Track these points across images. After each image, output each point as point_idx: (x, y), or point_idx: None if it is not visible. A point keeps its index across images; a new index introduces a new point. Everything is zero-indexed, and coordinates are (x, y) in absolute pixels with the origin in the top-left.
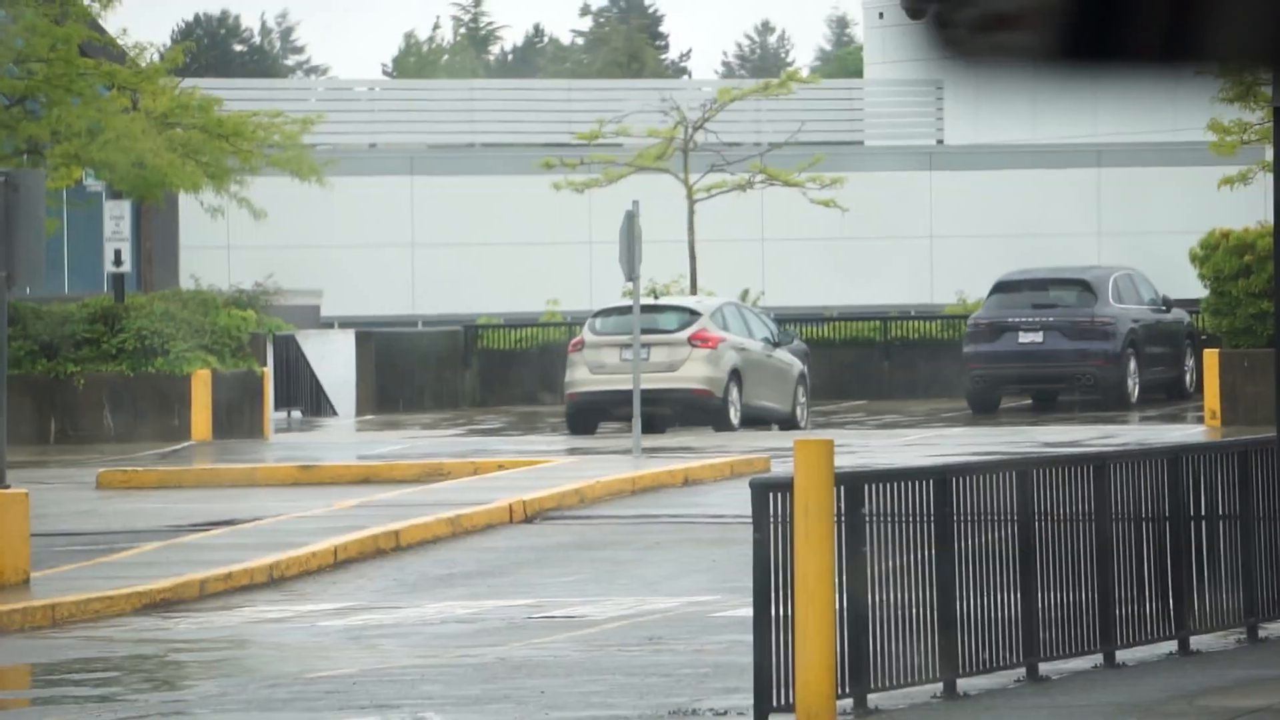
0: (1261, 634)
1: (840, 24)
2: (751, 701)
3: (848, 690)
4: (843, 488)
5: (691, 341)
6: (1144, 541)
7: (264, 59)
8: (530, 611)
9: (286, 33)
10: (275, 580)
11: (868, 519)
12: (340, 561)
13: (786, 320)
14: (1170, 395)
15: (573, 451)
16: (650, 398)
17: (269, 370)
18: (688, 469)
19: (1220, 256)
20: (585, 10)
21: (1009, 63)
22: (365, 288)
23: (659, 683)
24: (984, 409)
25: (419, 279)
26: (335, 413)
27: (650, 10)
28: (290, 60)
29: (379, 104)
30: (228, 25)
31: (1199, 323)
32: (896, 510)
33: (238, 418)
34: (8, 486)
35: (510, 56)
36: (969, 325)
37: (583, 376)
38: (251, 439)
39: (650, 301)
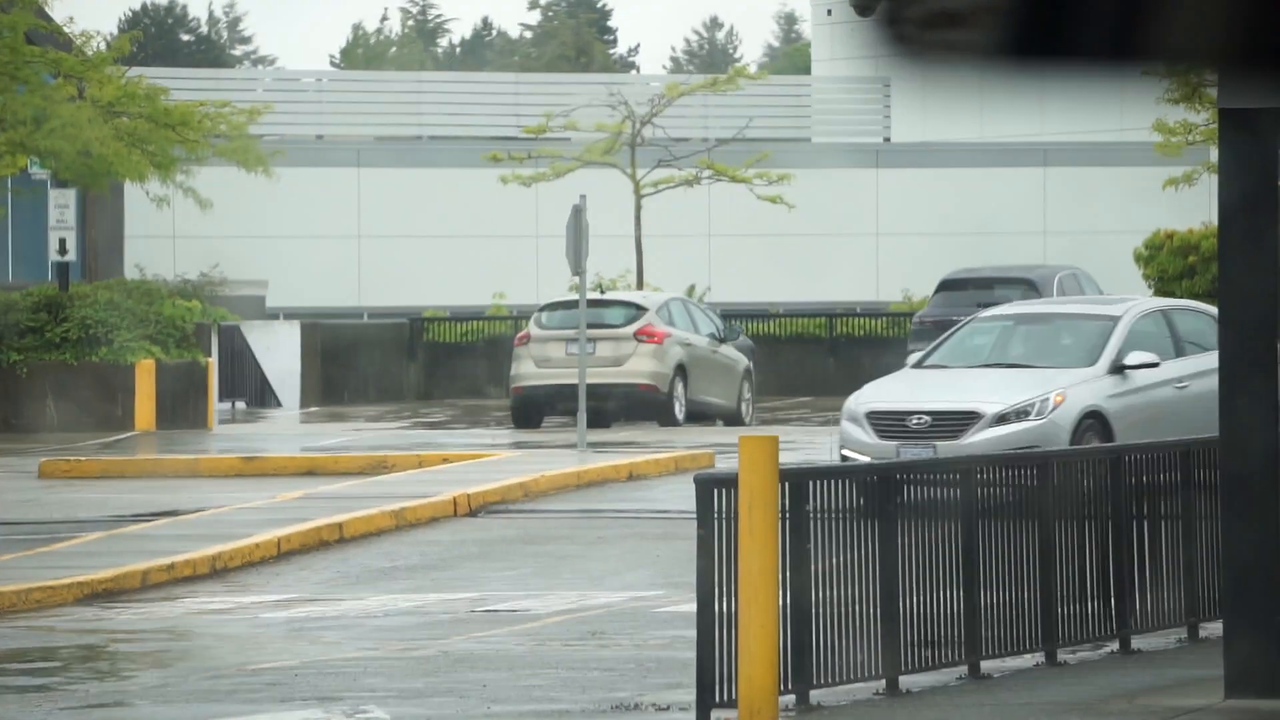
0: (1202, 634)
1: (788, 21)
2: (694, 697)
3: (790, 686)
4: (787, 484)
5: (637, 336)
6: (1086, 541)
7: (211, 49)
8: (473, 605)
9: (234, 23)
10: (218, 571)
11: (812, 516)
12: (283, 553)
13: (732, 316)
14: None
15: (518, 445)
16: (596, 392)
17: (213, 361)
18: (632, 464)
19: (1164, 257)
20: (534, 4)
21: (957, 60)
22: (311, 279)
23: (601, 677)
24: None
25: (365, 271)
26: (280, 404)
27: (599, 5)
28: (238, 50)
29: (326, 95)
30: (175, 14)
31: None
32: (841, 507)
33: (182, 408)
34: None
35: (458, 49)
36: (914, 323)
37: (528, 370)
38: (195, 430)
39: (597, 296)
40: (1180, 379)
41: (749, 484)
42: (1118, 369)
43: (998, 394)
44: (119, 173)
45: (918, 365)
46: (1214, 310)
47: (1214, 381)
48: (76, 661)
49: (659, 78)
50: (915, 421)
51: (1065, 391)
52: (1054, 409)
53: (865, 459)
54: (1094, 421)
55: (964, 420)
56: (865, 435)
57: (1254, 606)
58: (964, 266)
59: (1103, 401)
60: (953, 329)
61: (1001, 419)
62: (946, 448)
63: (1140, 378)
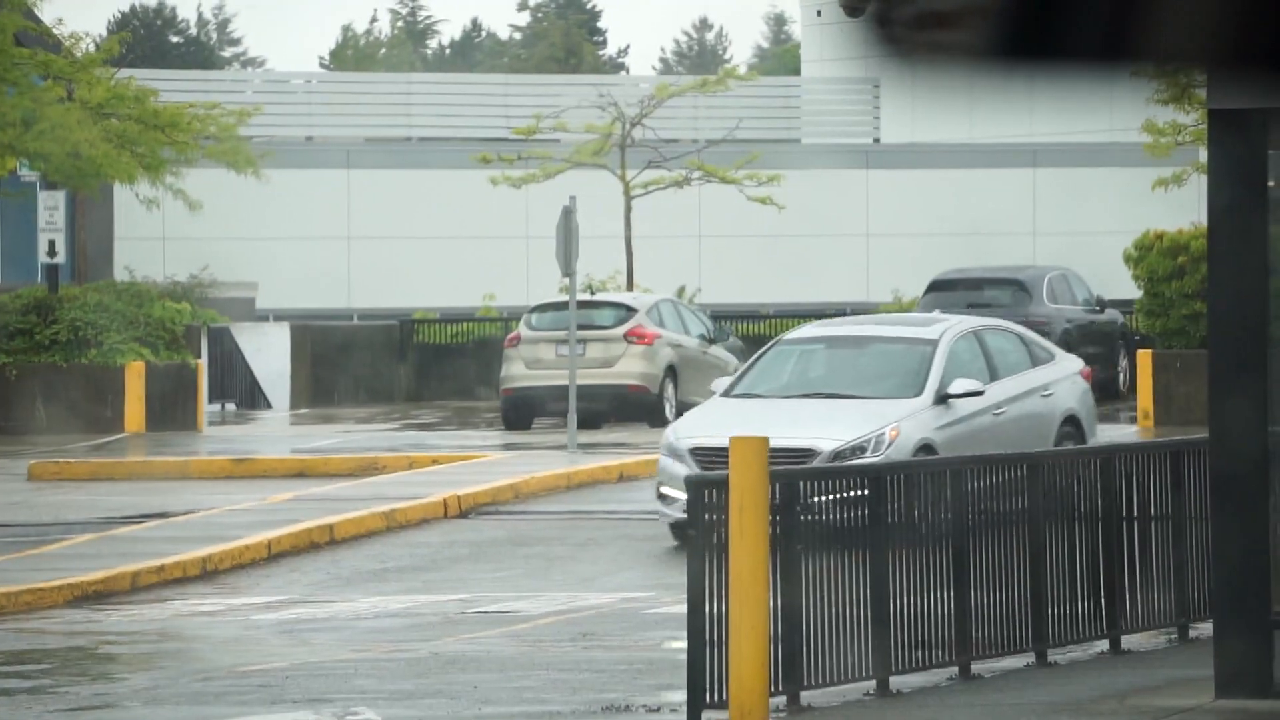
0: (1192, 634)
1: (778, 21)
2: (684, 698)
3: (781, 688)
4: (778, 485)
5: (628, 338)
6: (1077, 541)
7: (200, 51)
8: (464, 607)
9: (223, 24)
10: (208, 573)
11: (802, 517)
12: (273, 555)
13: (722, 317)
14: (1104, 395)
15: (508, 447)
16: (586, 393)
17: (203, 363)
18: (623, 465)
19: (1154, 258)
20: (523, 5)
21: (946, 61)
22: (301, 281)
23: (592, 679)
24: None
25: (355, 272)
26: (270, 406)
27: (588, 6)
28: (227, 52)
29: (316, 97)
30: (164, 16)
31: (1133, 323)
32: (831, 508)
33: (171, 410)
34: None
35: (448, 51)
36: None
37: (519, 371)
38: (185, 431)
39: (587, 297)
40: (998, 405)
41: (740, 485)
42: (942, 398)
43: (831, 428)
44: (108, 174)
45: (727, 394)
46: (1021, 329)
47: (1028, 405)
48: (66, 664)
49: (649, 79)
50: None
51: (899, 425)
52: (890, 444)
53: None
54: (925, 455)
55: (798, 459)
56: (688, 472)
57: (1244, 607)
58: (954, 267)
59: (931, 434)
60: (759, 353)
61: (838, 457)
62: None
63: (963, 406)
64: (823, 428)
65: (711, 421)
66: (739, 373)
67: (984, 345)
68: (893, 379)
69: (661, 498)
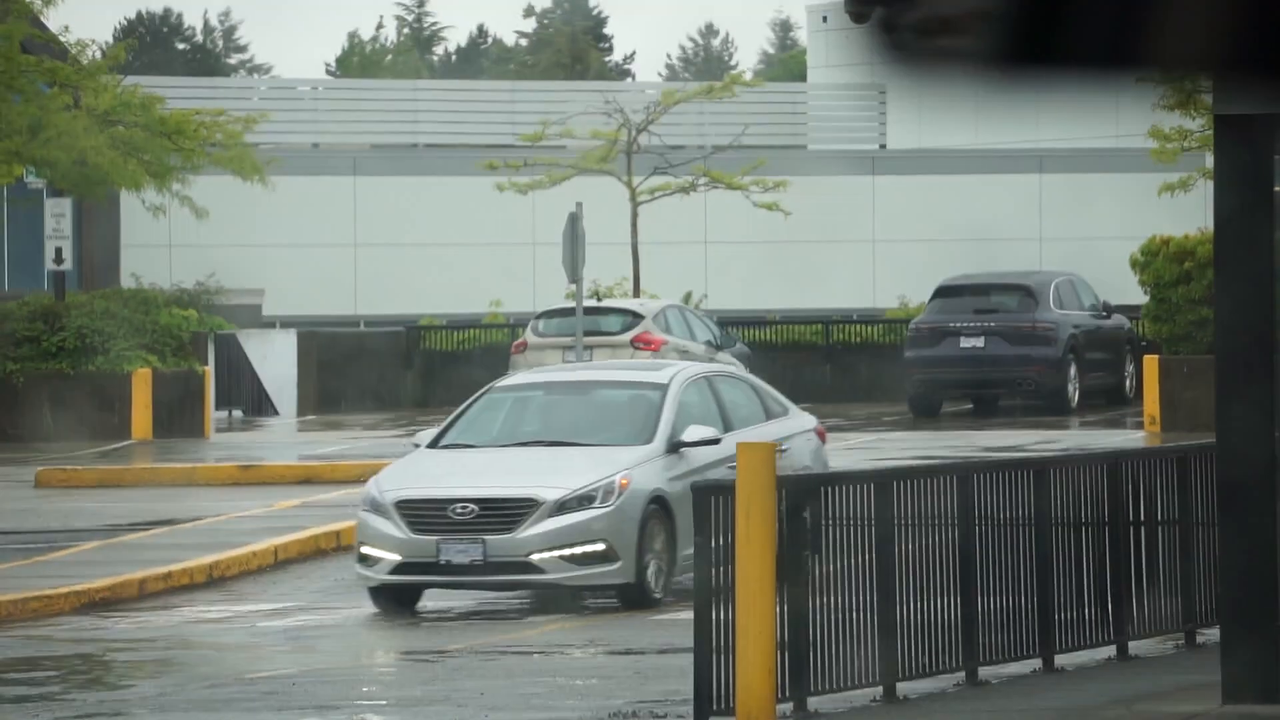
0: (1199, 640)
1: (784, 28)
2: (691, 704)
3: (788, 694)
4: (784, 491)
5: (634, 344)
6: (1084, 547)
7: (207, 58)
8: (470, 612)
9: (229, 31)
10: (215, 580)
11: (809, 523)
12: (280, 562)
13: (729, 323)
14: (1110, 401)
15: None
16: None
17: (210, 369)
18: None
19: (1160, 263)
20: (529, 12)
21: (952, 67)
22: (307, 287)
23: (599, 684)
24: (925, 413)
25: (361, 279)
26: (277, 412)
27: (594, 12)
28: (233, 59)
29: (322, 104)
30: (170, 23)
31: (1139, 329)
32: (838, 514)
33: (178, 417)
34: None
35: (454, 57)
36: (910, 330)
37: None
38: (192, 438)
39: (593, 304)
40: (731, 457)
41: (746, 491)
42: (675, 447)
43: (554, 477)
44: (115, 181)
45: (434, 445)
46: (754, 379)
47: None
48: (74, 671)
49: (654, 85)
50: (459, 511)
51: (629, 473)
52: (620, 494)
53: (394, 558)
54: (657, 507)
55: (519, 509)
56: (395, 529)
57: (1251, 612)
58: (961, 273)
59: (664, 484)
60: (467, 402)
61: (562, 508)
62: (499, 543)
63: (697, 456)
64: (545, 477)
65: (419, 472)
66: (446, 422)
67: (717, 394)
68: (620, 426)
69: (362, 559)
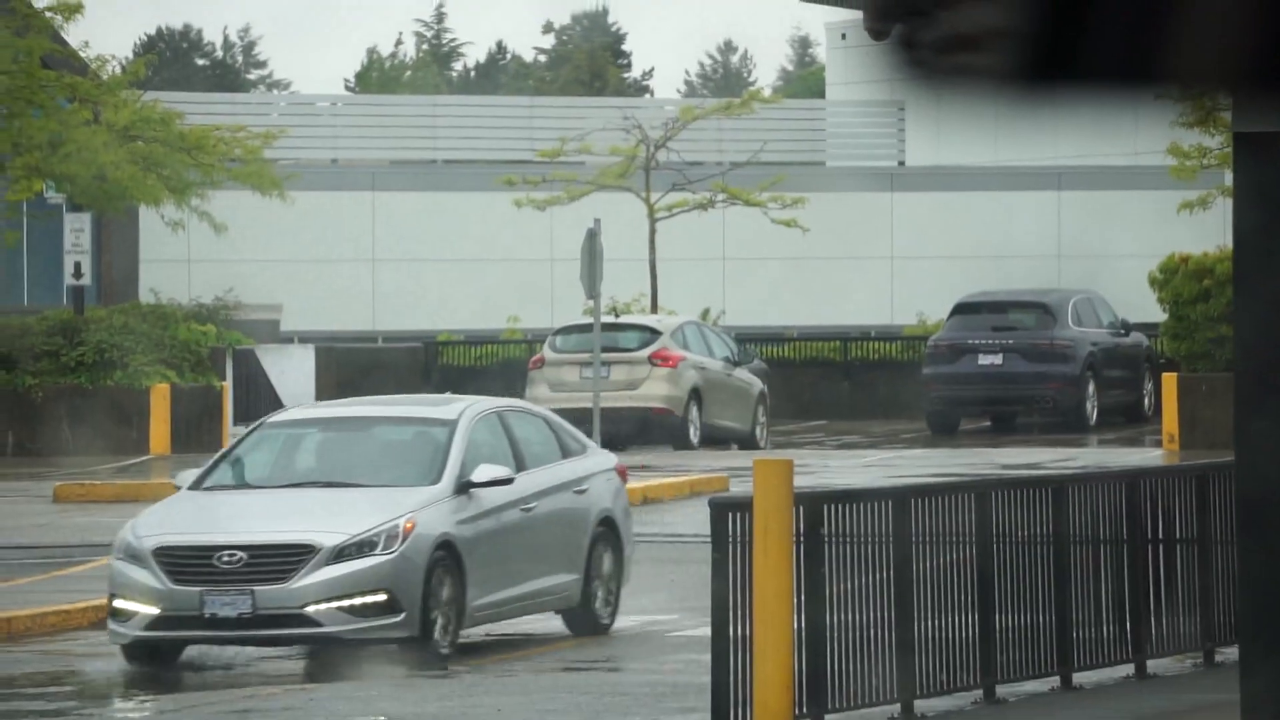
0: (1218, 658)
1: (803, 44)
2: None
3: (805, 710)
4: (802, 508)
5: (652, 360)
6: (1102, 564)
7: (226, 73)
8: (487, 629)
9: (249, 47)
10: None
11: (827, 539)
12: None
13: (747, 340)
14: (1128, 418)
15: None
16: (610, 416)
17: (228, 384)
18: (647, 487)
19: (1179, 281)
20: (548, 28)
21: (971, 84)
22: (326, 303)
23: (615, 702)
24: (943, 430)
25: (380, 294)
26: None
27: (613, 28)
28: (252, 75)
29: (341, 119)
30: (190, 39)
31: (1158, 346)
32: (855, 531)
33: (197, 432)
34: None
35: (473, 73)
36: (929, 347)
37: (543, 394)
38: (211, 453)
39: (611, 320)
40: (526, 500)
41: (764, 508)
42: (464, 487)
43: (332, 521)
44: (134, 197)
45: (196, 486)
46: (548, 414)
47: (561, 501)
48: (91, 686)
49: (673, 101)
50: (225, 560)
51: (414, 516)
52: (405, 540)
53: (152, 611)
54: (444, 554)
55: (293, 557)
56: (153, 579)
57: (1270, 632)
58: (979, 290)
59: (453, 528)
60: (235, 442)
61: (341, 554)
62: (270, 594)
63: (488, 498)
64: (321, 520)
65: (180, 517)
66: (211, 462)
67: (509, 430)
68: (405, 465)
69: (114, 614)
